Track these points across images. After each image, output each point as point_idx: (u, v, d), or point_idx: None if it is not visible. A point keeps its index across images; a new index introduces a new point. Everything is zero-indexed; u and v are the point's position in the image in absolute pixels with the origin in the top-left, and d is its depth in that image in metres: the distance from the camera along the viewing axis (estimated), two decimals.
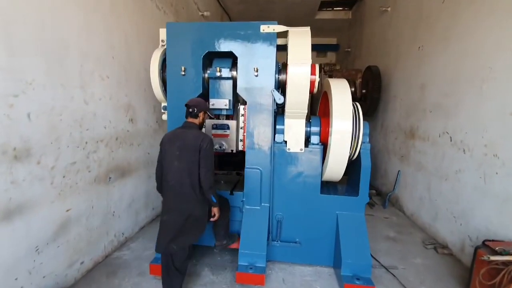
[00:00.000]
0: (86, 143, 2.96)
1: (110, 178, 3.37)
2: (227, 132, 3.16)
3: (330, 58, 12.16)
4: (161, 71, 3.12)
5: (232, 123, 3.16)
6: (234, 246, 3.07)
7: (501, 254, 2.20)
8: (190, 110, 2.48)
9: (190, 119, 2.52)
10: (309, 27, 2.91)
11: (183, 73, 3.01)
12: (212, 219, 2.57)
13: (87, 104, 2.96)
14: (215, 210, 2.51)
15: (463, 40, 3.58)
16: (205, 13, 6.52)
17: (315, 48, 11.85)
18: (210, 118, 2.93)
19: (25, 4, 2.28)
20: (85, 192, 2.97)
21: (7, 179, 2.18)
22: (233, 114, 3.24)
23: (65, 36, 2.67)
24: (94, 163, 3.09)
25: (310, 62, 2.75)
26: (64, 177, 2.69)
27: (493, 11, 3.11)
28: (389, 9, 6.01)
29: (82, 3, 2.84)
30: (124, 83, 3.59)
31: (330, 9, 9.38)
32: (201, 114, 2.51)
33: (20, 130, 2.27)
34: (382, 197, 5.65)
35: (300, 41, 2.82)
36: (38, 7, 2.39)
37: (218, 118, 3.24)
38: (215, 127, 3.17)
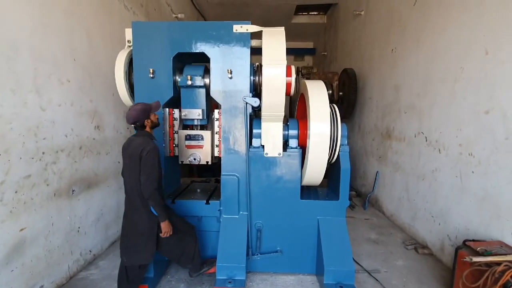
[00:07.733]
0: (43, 153, 2.67)
1: (73, 191, 3.08)
2: (201, 143, 2.98)
3: (307, 61, 12.29)
4: (127, 74, 2.91)
5: (206, 133, 2.97)
6: (211, 271, 2.86)
7: (483, 255, 2.17)
8: (134, 126, 2.43)
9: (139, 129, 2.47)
10: (284, 27, 2.83)
11: (151, 75, 2.82)
12: (162, 235, 2.38)
13: (43, 110, 2.68)
14: (162, 226, 2.34)
15: (434, 41, 3.64)
16: (179, 15, 6.30)
17: (293, 52, 12.00)
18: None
19: None
20: (43, 208, 2.68)
21: None
22: (207, 123, 3.07)
23: (15, 36, 2.40)
24: (54, 176, 2.80)
25: (285, 63, 2.64)
26: (16, 192, 2.40)
27: (462, 11, 3.17)
28: (362, 13, 6.11)
29: None
30: (88, 87, 3.32)
31: (306, 13, 9.47)
32: (147, 122, 2.42)
33: None
34: (362, 198, 5.66)
35: (274, 41, 2.71)
36: None
37: (192, 128, 3.06)
38: (189, 138, 2.98)
